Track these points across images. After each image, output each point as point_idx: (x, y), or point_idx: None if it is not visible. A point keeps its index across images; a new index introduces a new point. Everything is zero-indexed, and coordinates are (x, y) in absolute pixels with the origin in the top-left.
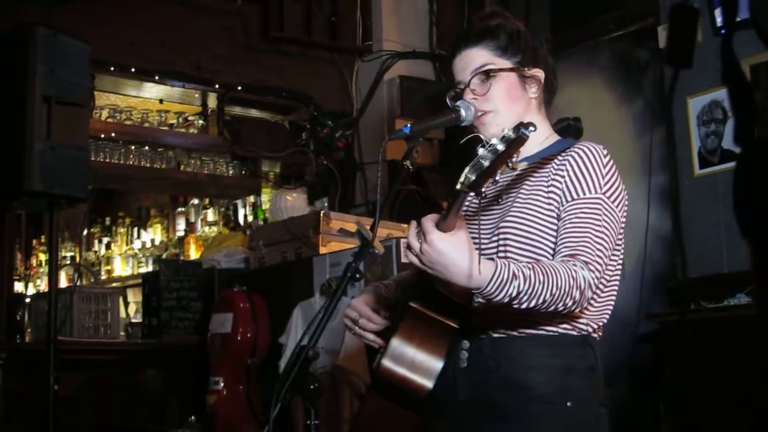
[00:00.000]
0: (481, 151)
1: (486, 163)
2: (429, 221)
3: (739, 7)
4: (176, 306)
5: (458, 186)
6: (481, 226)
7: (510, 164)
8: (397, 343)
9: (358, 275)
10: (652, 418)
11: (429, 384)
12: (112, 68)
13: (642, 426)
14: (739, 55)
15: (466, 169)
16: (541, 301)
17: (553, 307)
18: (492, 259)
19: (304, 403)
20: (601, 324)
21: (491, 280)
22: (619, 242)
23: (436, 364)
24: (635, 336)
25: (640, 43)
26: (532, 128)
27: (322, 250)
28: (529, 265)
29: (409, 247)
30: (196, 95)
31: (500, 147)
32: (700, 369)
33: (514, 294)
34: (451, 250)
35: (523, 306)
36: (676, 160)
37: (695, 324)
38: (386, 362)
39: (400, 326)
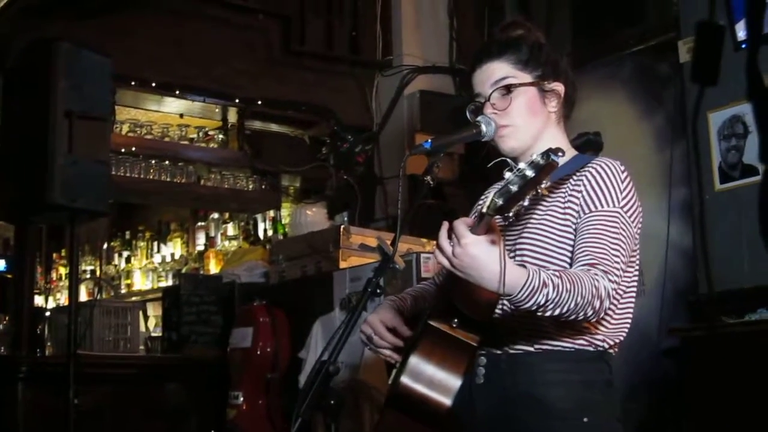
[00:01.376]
0: (508, 175)
1: (514, 189)
2: (462, 225)
3: (764, 21)
4: (196, 320)
5: (485, 209)
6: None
7: (539, 190)
8: (416, 361)
9: (378, 290)
10: None
11: (448, 401)
12: (132, 83)
13: None
14: (764, 69)
15: (493, 194)
16: (565, 309)
17: (573, 316)
18: (523, 265)
19: (325, 419)
20: (618, 341)
21: (523, 287)
22: (632, 259)
23: (455, 381)
24: (657, 351)
25: (661, 57)
26: (561, 154)
27: (343, 264)
28: (557, 273)
29: (440, 248)
30: (217, 110)
31: (529, 173)
32: (722, 384)
33: (542, 302)
34: (485, 255)
35: (548, 314)
36: (700, 174)
37: (717, 339)
38: (405, 380)
39: (419, 344)
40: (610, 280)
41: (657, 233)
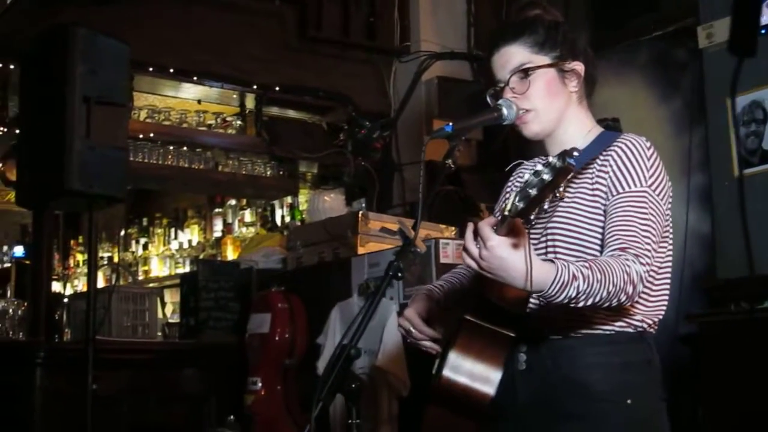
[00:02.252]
0: (527, 176)
1: (533, 192)
2: (487, 226)
3: None
4: (214, 306)
5: (506, 212)
6: (530, 229)
7: (558, 194)
8: (455, 356)
9: (399, 274)
10: (691, 421)
11: (491, 391)
12: (150, 69)
13: (681, 429)
14: None
15: (514, 196)
16: (598, 299)
17: (607, 304)
18: (552, 261)
19: (345, 403)
20: (656, 319)
21: (553, 283)
22: (665, 235)
23: (496, 373)
24: (674, 337)
25: (679, 43)
26: (576, 153)
27: (361, 250)
28: (587, 264)
29: (467, 251)
30: (234, 96)
31: (546, 176)
32: (739, 371)
33: (573, 295)
34: (511, 256)
35: (580, 305)
36: (731, 155)
37: (734, 325)
38: (447, 373)
39: (457, 339)
40: (641, 263)
41: (675, 219)
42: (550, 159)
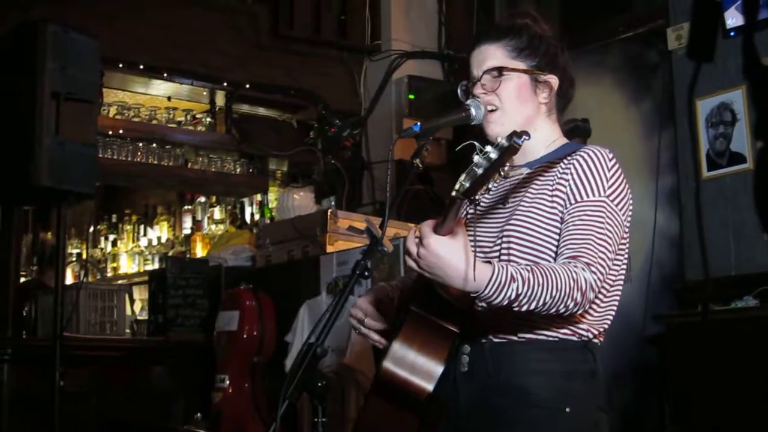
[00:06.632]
0: (476, 158)
1: (480, 171)
2: (427, 226)
3: (760, 5)
4: (182, 303)
5: (453, 193)
6: (485, 230)
7: (502, 172)
8: (398, 346)
9: (366, 273)
10: (658, 420)
11: (429, 387)
12: (120, 65)
13: (647, 428)
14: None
15: (462, 176)
16: (541, 303)
17: (554, 309)
18: (489, 262)
19: (312, 401)
20: (602, 330)
21: (489, 283)
22: (621, 247)
23: (437, 367)
24: (641, 337)
25: (649, 44)
26: (525, 137)
27: (329, 248)
28: (528, 267)
29: (408, 252)
30: (205, 93)
31: (493, 155)
32: (706, 371)
33: (513, 296)
34: (448, 254)
35: (524, 308)
36: (699, 157)
37: (701, 326)
38: (387, 364)
39: (402, 329)
40: (592, 271)
41: (644, 220)
42: (499, 140)
